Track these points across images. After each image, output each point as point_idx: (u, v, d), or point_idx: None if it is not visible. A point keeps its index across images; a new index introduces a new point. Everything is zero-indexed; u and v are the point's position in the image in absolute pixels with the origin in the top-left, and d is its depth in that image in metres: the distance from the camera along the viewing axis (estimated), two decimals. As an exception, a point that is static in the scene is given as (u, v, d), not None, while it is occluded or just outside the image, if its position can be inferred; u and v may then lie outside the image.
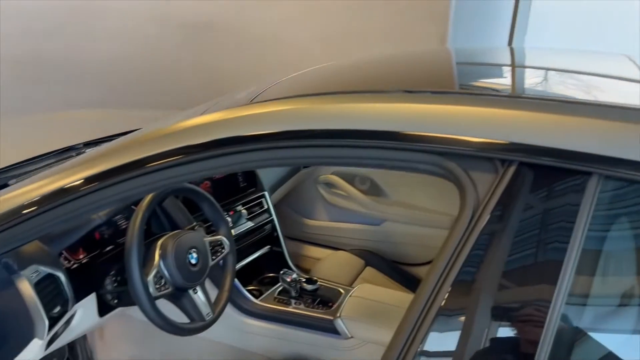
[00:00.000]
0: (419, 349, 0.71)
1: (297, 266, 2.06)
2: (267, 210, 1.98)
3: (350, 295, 1.71)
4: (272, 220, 1.99)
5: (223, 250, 1.47)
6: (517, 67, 1.17)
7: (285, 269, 1.74)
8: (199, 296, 1.36)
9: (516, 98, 0.82)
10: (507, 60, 1.27)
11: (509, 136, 0.71)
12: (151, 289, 1.20)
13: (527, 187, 0.71)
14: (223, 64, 3.03)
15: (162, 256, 1.27)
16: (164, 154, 0.87)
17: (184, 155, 0.86)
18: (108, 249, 1.43)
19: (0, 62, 3.02)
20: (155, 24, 3.05)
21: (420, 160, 0.76)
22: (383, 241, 2.53)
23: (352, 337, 1.58)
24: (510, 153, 0.71)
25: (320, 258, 2.43)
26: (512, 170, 0.71)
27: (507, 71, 1.13)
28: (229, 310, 1.68)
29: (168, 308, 1.28)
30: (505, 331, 0.72)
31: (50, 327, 1.13)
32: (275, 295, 1.76)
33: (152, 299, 1.20)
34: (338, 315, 1.60)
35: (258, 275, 1.94)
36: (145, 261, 1.27)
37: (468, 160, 0.73)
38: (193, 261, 1.33)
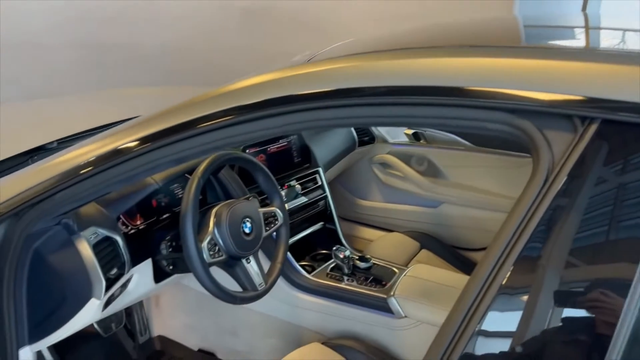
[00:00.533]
0: (476, 329, 0.66)
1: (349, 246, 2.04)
2: (321, 187, 1.96)
3: (404, 275, 1.67)
4: (326, 196, 1.97)
5: (276, 222, 1.46)
6: (591, 28, 1.08)
7: (339, 246, 1.72)
8: (251, 266, 1.36)
9: (597, 51, 0.74)
10: (580, 22, 1.17)
11: (590, 91, 0.64)
12: (205, 255, 1.21)
13: (610, 149, 0.64)
14: (280, 48, 3.02)
15: (217, 224, 1.28)
16: (215, 114, 0.86)
17: (235, 115, 0.85)
18: (164, 216, 1.46)
19: (65, 47, 3.15)
20: (216, 7, 3.09)
21: (488, 118, 0.71)
22: (440, 224, 2.46)
23: (405, 316, 1.54)
24: (591, 110, 0.64)
25: (373, 240, 2.39)
26: (593, 128, 0.64)
27: (580, 32, 1.04)
28: (281, 283, 1.69)
29: (221, 277, 1.29)
30: (576, 313, 0.65)
31: (107, 288, 1.16)
32: (328, 271, 1.75)
33: (206, 265, 1.20)
34: (392, 293, 1.57)
35: (310, 251, 1.93)
36: (200, 228, 1.28)
37: (543, 117, 0.67)
38: (247, 230, 1.33)
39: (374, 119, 0.80)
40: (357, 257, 1.75)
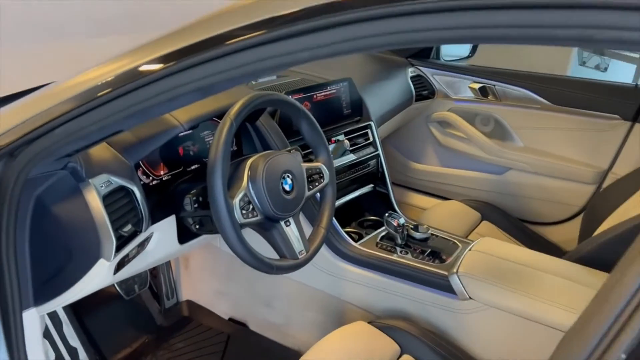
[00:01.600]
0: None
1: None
2: (373, 144, 1.74)
3: (469, 249, 1.45)
4: (378, 155, 1.75)
5: (322, 180, 1.26)
6: None
7: (391, 212, 1.51)
8: (291, 230, 1.17)
9: None
10: None
11: None
12: (236, 214, 1.03)
13: None
14: None
15: (252, 178, 1.09)
16: (245, 28, 0.65)
17: (268, 29, 0.63)
18: (192, 167, 1.29)
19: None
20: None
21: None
22: (505, 194, 2.21)
23: (470, 298, 1.33)
24: None
25: (427, 208, 2.17)
26: None
27: None
28: (324, 251, 1.50)
29: (255, 241, 1.11)
30: None
31: (119, 247, 1.00)
32: (378, 240, 1.55)
33: (237, 226, 1.02)
34: (454, 270, 1.35)
35: (358, 217, 1.73)
36: (232, 182, 1.10)
37: None
38: (287, 188, 1.14)
39: (445, 34, 0.55)
40: (412, 226, 1.54)
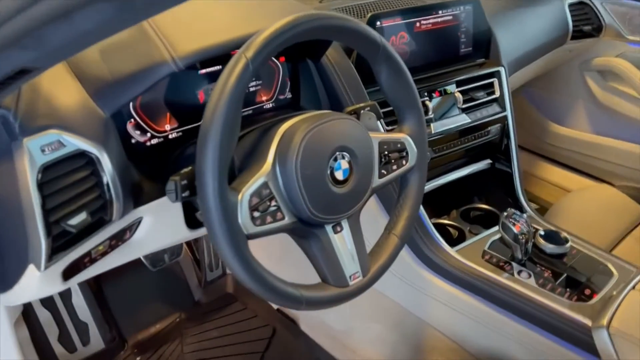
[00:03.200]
0: None
1: (530, 199, 1.31)
2: (500, 100, 1.23)
3: (633, 286, 0.94)
4: (506, 117, 1.23)
5: (403, 162, 0.82)
6: None
7: (512, 210, 1.02)
8: (343, 239, 0.76)
9: None
10: None
11: None
12: (242, 219, 0.64)
13: None
14: None
15: (281, 156, 0.68)
16: None
17: None
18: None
19: None
20: None
21: None
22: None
23: (624, 371, 0.85)
24: None
25: (569, 190, 1.63)
26: None
27: None
28: (405, 254, 1.08)
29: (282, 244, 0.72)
30: None
31: (61, 248, 0.67)
32: (486, 247, 1.08)
33: (240, 238, 0.63)
34: (604, 322, 0.87)
35: (462, 204, 1.27)
36: (249, 161, 0.71)
37: None
38: (339, 174, 0.72)
39: None
40: (542, 233, 1.06)
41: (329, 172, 0.71)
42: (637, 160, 1.65)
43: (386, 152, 0.81)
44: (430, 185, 1.15)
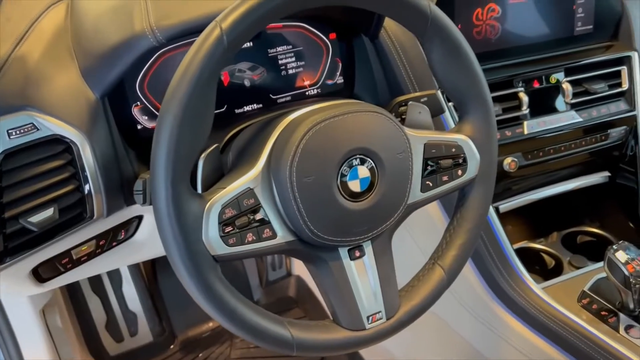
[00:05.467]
0: None
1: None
2: (628, 95, 0.95)
3: None
4: (635, 118, 0.95)
5: (458, 172, 0.63)
6: None
7: (624, 242, 0.77)
8: (364, 266, 0.60)
9: None
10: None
11: None
12: (209, 236, 0.50)
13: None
14: None
15: (275, 158, 0.54)
16: None
17: None
18: (245, 109, 0.78)
19: None
20: None
21: None
22: None
23: None
24: None
25: None
26: None
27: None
28: (477, 284, 0.87)
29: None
30: None
31: (18, 249, 0.59)
32: (586, 288, 0.84)
33: (203, 261, 0.50)
34: None
35: (564, 227, 1.01)
36: (240, 161, 0.58)
37: None
38: (354, 184, 0.55)
39: None
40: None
41: (338, 181, 0.55)
42: None
43: (435, 158, 0.62)
44: (520, 200, 0.93)
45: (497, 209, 0.88)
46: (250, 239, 0.53)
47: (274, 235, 0.55)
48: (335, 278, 0.59)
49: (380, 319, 0.60)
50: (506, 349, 0.87)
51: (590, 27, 0.93)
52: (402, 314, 0.62)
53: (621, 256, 0.75)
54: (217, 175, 0.56)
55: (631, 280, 0.74)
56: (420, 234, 0.92)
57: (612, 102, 0.94)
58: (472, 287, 0.87)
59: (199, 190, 0.54)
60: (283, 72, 0.80)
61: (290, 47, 0.79)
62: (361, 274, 0.60)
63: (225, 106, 0.77)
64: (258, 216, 0.54)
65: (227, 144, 0.62)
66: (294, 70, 0.81)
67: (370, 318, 0.60)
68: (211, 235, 0.51)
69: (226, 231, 0.51)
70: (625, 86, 0.94)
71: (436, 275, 0.64)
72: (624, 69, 0.94)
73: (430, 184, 0.62)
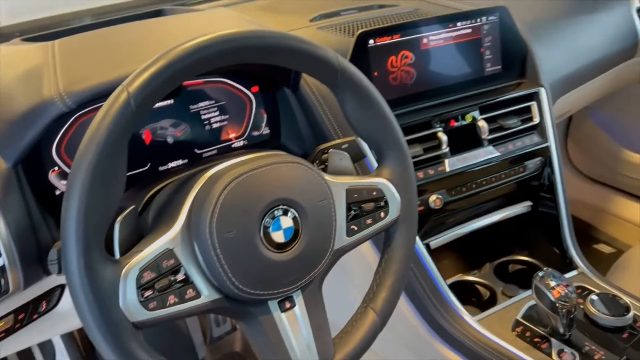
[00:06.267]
0: None
1: (596, 239, 1.06)
2: (540, 128, 1.01)
3: None
4: (548, 149, 1.01)
5: (380, 214, 0.65)
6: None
7: (549, 270, 0.80)
8: (295, 317, 0.60)
9: None
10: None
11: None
12: (128, 302, 0.49)
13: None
14: None
15: (195, 212, 0.54)
16: None
17: None
18: (171, 165, 0.78)
19: None
20: None
21: None
22: None
23: None
24: None
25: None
26: None
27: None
28: (415, 321, 0.88)
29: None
30: None
31: None
32: (519, 317, 0.87)
33: (122, 330, 0.49)
34: None
35: (495, 258, 1.05)
36: (160, 219, 0.57)
37: None
38: (278, 235, 0.56)
39: None
40: (594, 298, 0.83)
41: (262, 233, 0.55)
42: None
43: (357, 202, 0.64)
44: (449, 235, 0.96)
45: (427, 246, 0.91)
46: (172, 301, 0.52)
47: (197, 295, 0.54)
48: (267, 332, 0.58)
49: (326, 366, 0.60)
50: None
51: (499, 67, 1.00)
52: (345, 355, 0.62)
53: (547, 283, 0.79)
54: (136, 238, 0.55)
55: (557, 305, 0.77)
56: (355, 274, 0.92)
57: (525, 135, 0.99)
58: (410, 324, 0.88)
59: (117, 255, 0.53)
60: (207, 127, 0.80)
61: (213, 101, 0.81)
62: (293, 325, 0.60)
63: (149, 164, 0.76)
64: (180, 277, 0.53)
65: (148, 203, 0.61)
66: (218, 124, 0.82)
67: (314, 369, 0.59)
68: (129, 301, 0.49)
69: (145, 295, 0.50)
70: (536, 120, 1.00)
71: (369, 319, 0.64)
72: (533, 104, 1.01)
73: (355, 228, 0.64)
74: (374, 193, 0.65)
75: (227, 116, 0.82)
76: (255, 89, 0.84)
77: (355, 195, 0.64)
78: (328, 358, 0.61)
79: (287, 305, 0.59)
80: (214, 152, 0.82)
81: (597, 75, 1.24)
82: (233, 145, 0.83)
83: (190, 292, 0.53)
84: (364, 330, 0.64)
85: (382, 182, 0.65)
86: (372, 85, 0.63)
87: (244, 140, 0.84)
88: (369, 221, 0.64)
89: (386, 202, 0.65)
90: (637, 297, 0.87)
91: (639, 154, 1.55)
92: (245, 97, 0.83)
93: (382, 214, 0.65)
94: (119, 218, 0.53)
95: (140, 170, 0.76)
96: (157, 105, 0.75)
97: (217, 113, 0.82)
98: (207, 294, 0.54)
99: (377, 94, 0.64)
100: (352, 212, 0.63)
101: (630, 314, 0.80)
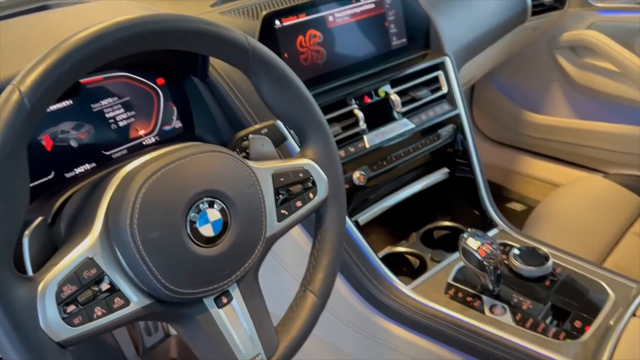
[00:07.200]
0: None
1: (507, 199, 1.12)
2: (449, 96, 1.05)
3: (633, 313, 0.75)
4: (459, 116, 1.05)
5: (309, 195, 0.64)
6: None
7: (473, 230, 0.83)
8: (233, 311, 0.58)
9: None
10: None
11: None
12: (49, 320, 0.45)
13: None
14: None
15: (113, 215, 0.50)
16: None
17: None
18: (77, 171, 0.72)
19: None
20: None
21: None
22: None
23: None
24: None
25: (559, 183, 1.46)
26: None
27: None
28: (351, 297, 0.89)
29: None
30: None
31: None
32: (450, 279, 0.90)
33: (47, 351, 0.45)
34: (601, 368, 0.68)
35: (420, 227, 1.08)
36: (74, 228, 0.53)
37: None
38: (206, 229, 0.53)
39: None
40: (516, 252, 0.87)
41: (188, 229, 0.52)
42: (630, 144, 1.47)
43: (285, 186, 0.62)
44: (376, 209, 0.97)
45: (356, 222, 0.91)
46: (99, 313, 0.48)
47: (127, 303, 0.50)
48: (206, 332, 0.56)
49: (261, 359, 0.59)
50: (392, 355, 0.90)
51: (404, 40, 1.01)
52: (283, 350, 0.60)
53: (472, 243, 0.82)
54: (50, 251, 0.50)
55: (485, 263, 0.81)
56: (290, 262, 0.91)
57: (436, 105, 1.02)
58: (348, 302, 0.89)
59: (29, 272, 0.48)
60: (113, 126, 0.75)
61: (116, 98, 0.75)
62: (233, 320, 0.58)
63: (53, 172, 0.70)
64: (104, 286, 0.49)
65: (58, 212, 0.57)
66: (125, 122, 0.77)
67: (253, 360, 0.58)
68: (50, 319, 0.45)
69: (68, 311, 0.46)
70: (444, 89, 1.03)
71: (309, 302, 0.64)
72: (440, 74, 1.04)
73: (286, 213, 0.62)
74: (301, 175, 0.64)
75: (133, 112, 0.77)
76: (161, 81, 0.80)
77: (281, 179, 0.62)
78: (272, 347, 0.60)
79: (224, 300, 0.57)
80: (124, 151, 0.77)
81: (494, 41, 1.30)
82: (144, 143, 0.79)
83: (118, 301, 0.50)
84: (305, 314, 0.63)
85: (307, 163, 0.64)
86: (285, 64, 0.62)
87: (155, 136, 0.80)
88: (298, 204, 0.63)
89: (314, 183, 0.64)
90: (553, 247, 0.93)
91: (538, 113, 1.66)
92: (151, 90, 0.79)
93: (311, 195, 0.64)
94: (27, 232, 0.48)
95: (45, 179, 0.69)
96: (55, 107, 0.69)
97: (122, 110, 0.76)
98: (137, 301, 0.51)
99: (292, 73, 0.62)
100: (281, 197, 0.62)
101: (550, 263, 0.85)
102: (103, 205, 0.52)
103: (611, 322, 0.76)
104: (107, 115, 0.75)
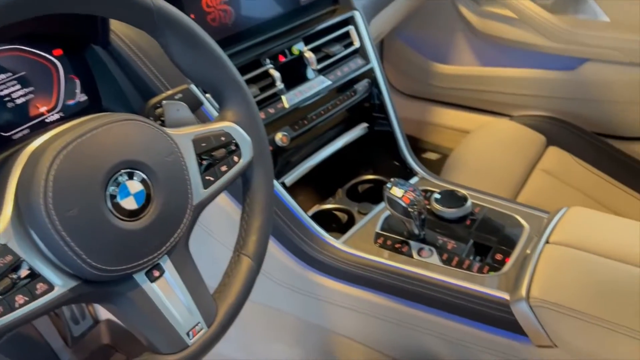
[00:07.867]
0: None
1: (423, 149, 1.16)
2: (362, 51, 1.05)
3: (546, 240, 0.81)
4: (372, 70, 1.06)
5: (234, 159, 0.62)
6: None
7: (395, 179, 0.86)
8: (167, 283, 0.56)
9: None
10: None
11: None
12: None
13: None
14: None
15: (23, 197, 0.46)
16: None
17: None
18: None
19: None
20: None
21: None
22: (579, 99, 1.52)
23: (555, 345, 0.73)
24: None
25: (469, 130, 1.52)
26: None
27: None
28: (285, 257, 0.89)
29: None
30: None
31: None
32: (378, 229, 0.92)
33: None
34: (522, 294, 0.74)
35: (347, 179, 1.10)
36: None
37: None
38: (128, 202, 0.50)
39: None
40: (437, 197, 0.91)
41: (109, 204, 0.49)
42: (532, 86, 1.56)
43: (207, 151, 0.60)
44: (301, 170, 0.97)
45: (283, 184, 0.91)
46: (21, 302, 0.45)
47: (50, 288, 0.47)
48: (141, 308, 0.54)
49: (202, 329, 0.58)
50: (329, 308, 0.92)
51: (314, -4, 1.00)
52: (222, 317, 0.60)
53: (396, 191, 0.84)
54: None
55: (409, 210, 0.83)
56: (219, 230, 0.90)
57: (350, 60, 1.03)
58: (282, 263, 0.89)
59: None
60: (10, 104, 0.69)
61: (10, 74, 0.69)
62: (168, 293, 0.56)
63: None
64: (23, 272, 0.46)
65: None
66: (22, 99, 0.70)
67: (191, 333, 0.57)
68: None
69: (-10, 297, 0.43)
70: (357, 44, 1.04)
71: (244, 266, 0.63)
72: (351, 29, 1.04)
73: (212, 179, 0.61)
74: (223, 138, 0.62)
75: (31, 88, 0.71)
76: (59, 52, 0.73)
77: (203, 145, 0.60)
78: (211, 315, 0.59)
79: (156, 274, 0.55)
80: (26, 131, 0.71)
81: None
82: (47, 120, 0.73)
83: (41, 287, 0.47)
84: (242, 278, 0.62)
85: (228, 125, 0.62)
86: (195, 24, 0.59)
87: (59, 112, 0.74)
88: (223, 168, 0.62)
89: (237, 146, 0.63)
90: (470, 188, 0.98)
91: (445, 64, 1.71)
92: (48, 63, 0.73)
93: (236, 158, 0.63)
94: None
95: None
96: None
97: (18, 87, 0.70)
98: (62, 283, 0.48)
99: (202, 32, 0.60)
100: (204, 163, 0.60)
101: (469, 203, 0.90)
102: (11, 187, 0.48)
103: (528, 251, 0.81)
104: (1, 94, 0.68)
